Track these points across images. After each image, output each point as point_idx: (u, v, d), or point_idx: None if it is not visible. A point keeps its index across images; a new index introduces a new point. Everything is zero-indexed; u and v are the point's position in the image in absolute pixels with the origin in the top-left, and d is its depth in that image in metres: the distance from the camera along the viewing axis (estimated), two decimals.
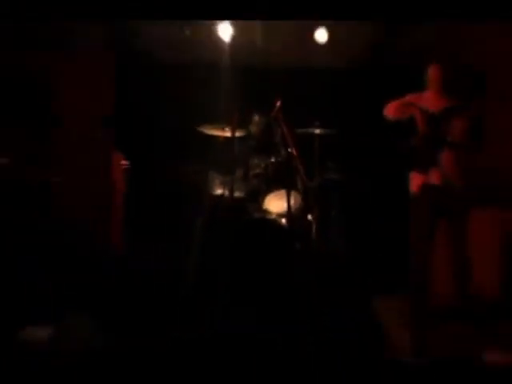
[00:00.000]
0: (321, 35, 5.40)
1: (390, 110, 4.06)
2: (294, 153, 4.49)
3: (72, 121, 5.02)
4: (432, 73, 4.10)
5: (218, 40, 5.37)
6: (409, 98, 4.11)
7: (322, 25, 5.39)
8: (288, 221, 4.67)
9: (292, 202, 4.59)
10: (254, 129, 4.94)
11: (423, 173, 3.97)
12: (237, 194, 4.84)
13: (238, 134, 4.87)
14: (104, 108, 5.08)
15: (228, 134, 4.86)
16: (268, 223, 4.70)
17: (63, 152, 4.95)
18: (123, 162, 5.20)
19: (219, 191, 4.95)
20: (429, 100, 4.07)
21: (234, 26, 5.29)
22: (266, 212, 4.81)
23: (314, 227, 4.82)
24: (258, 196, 4.88)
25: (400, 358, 3.75)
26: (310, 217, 4.83)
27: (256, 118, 4.94)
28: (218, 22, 5.30)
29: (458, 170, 3.93)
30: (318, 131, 5.11)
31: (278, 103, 4.54)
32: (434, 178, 3.92)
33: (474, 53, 4.82)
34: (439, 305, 4.08)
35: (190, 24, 5.39)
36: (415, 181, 4.03)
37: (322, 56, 5.52)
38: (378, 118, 4.11)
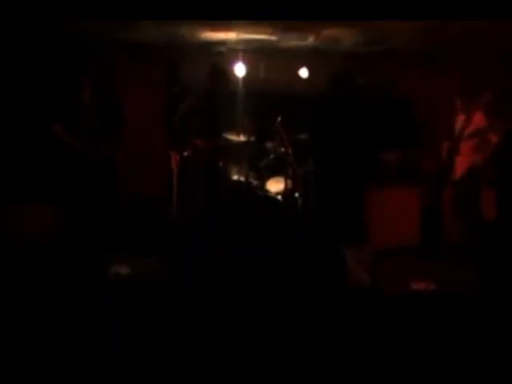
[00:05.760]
0: (303, 72, 7.72)
1: None
2: (290, 151, 6.75)
3: None
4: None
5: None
6: None
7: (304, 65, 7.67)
8: (282, 197, 6.73)
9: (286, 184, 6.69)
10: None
11: None
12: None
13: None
14: None
15: (242, 138, 6.91)
16: (269, 198, 6.60)
17: None
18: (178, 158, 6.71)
19: (236, 177, 6.94)
20: None
21: (246, 65, 7.39)
22: (268, 191, 6.84)
23: (299, 201, 6.83)
24: (262, 180, 6.90)
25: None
26: (296, 194, 6.83)
27: None
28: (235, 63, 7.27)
29: None
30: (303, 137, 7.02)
31: (279, 118, 6.68)
32: None
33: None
34: None
35: None
36: None
37: (305, 86, 7.77)
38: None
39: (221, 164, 6.90)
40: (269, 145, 6.98)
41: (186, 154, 6.57)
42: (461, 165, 6.04)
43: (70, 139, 5.85)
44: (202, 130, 6.50)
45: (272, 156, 6.92)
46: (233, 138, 6.99)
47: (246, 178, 6.84)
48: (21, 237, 5.24)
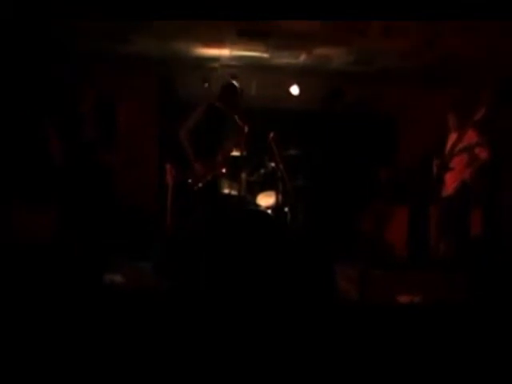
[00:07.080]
0: (294, 89, 7.90)
1: None
2: (281, 166, 6.87)
3: None
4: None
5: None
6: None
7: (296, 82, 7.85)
8: (272, 211, 6.80)
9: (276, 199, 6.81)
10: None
11: None
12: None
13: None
14: None
15: (236, 153, 6.95)
16: (259, 213, 6.42)
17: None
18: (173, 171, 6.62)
19: (226, 191, 6.99)
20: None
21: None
22: (258, 205, 6.93)
23: (288, 215, 6.98)
24: (253, 195, 7.00)
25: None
26: (286, 209, 6.98)
27: None
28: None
29: None
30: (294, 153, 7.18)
31: (272, 134, 6.77)
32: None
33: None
34: None
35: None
36: None
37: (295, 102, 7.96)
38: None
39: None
40: (260, 159, 7.06)
41: (189, 181, 6.43)
42: (450, 181, 6.16)
43: (57, 146, 5.84)
44: (205, 146, 6.47)
45: (263, 170, 7.00)
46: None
47: (238, 192, 6.89)
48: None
